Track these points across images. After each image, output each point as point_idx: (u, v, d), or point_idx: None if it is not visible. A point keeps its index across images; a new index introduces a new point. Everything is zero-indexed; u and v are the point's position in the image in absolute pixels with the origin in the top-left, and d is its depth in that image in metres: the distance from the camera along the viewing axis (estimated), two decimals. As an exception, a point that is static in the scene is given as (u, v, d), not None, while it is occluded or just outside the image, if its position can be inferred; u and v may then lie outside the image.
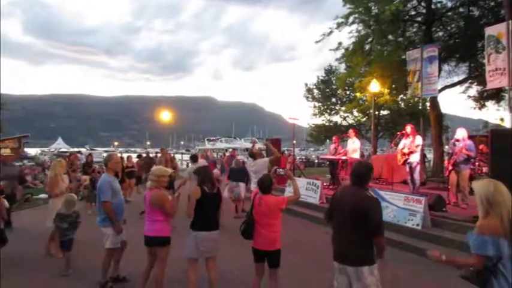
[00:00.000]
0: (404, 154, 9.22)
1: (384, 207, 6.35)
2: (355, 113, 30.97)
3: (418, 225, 7.27)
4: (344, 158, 11.53)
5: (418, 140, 9.13)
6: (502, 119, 22.32)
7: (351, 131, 11.92)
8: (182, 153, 49.75)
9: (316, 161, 39.56)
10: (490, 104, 18.95)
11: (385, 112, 30.47)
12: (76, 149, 59.05)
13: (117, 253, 5.14)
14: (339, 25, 16.77)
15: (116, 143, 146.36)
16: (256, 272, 4.30)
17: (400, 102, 26.61)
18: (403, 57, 14.40)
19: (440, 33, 17.91)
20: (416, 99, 21.66)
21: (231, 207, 9.90)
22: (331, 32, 17.38)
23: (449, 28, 17.82)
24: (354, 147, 11.45)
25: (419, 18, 17.51)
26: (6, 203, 6.54)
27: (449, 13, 17.23)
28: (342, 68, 25.53)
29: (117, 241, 4.99)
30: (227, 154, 26.73)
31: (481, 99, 18.78)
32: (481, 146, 11.12)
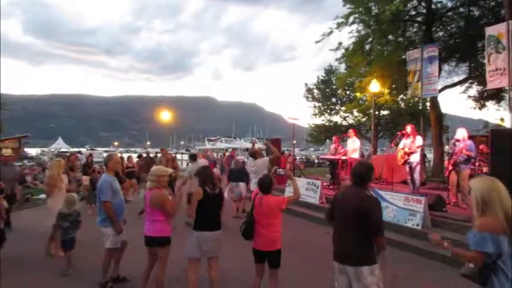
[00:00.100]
0: (404, 154, 9.21)
1: (384, 207, 6.35)
2: (355, 113, 30.98)
3: (418, 225, 7.27)
4: (344, 158, 11.53)
5: (419, 140, 9.12)
6: (502, 119, 22.32)
7: (350, 131, 11.92)
8: (182, 153, 49.73)
9: (316, 161, 39.54)
10: (490, 104, 18.96)
11: (385, 112, 30.47)
12: (76, 149, 59.08)
13: (117, 253, 5.14)
14: (339, 25, 16.76)
15: (116, 143, 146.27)
16: (256, 272, 4.30)
17: (400, 102, 26.62)
18: (403, 57, 14.41)
19: (441, 33, 17.91)
20: (416, 99, 21.67)
21: (231, 208, 9.90)
22: (331, 32, 17.38)
23: (449, 28, 17.82)
24: (353, 147, 11.45)
25: (419, 18, 17.51)
26: (5, 203, 6.53)
27: (450, 13, 17.22)
28: (342, 68, 25.55)
29: (117, 241, 4.99)
30: (227, 154, 26.73)
31: (481, 99, 18.78)
32: (481, 146, 11.12)
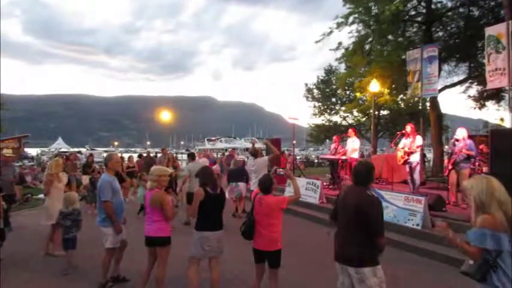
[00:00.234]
0: (404, 153, 9.21)
1: (384, 207, 6.34)
2: (355, 113, 31.00)
3: (418, 225, 7.27)
4: (344, 158, 11.53)
5: (419, 140, 9.12)
6: (502, 119, 22.36)
7: (350, 131, 11.90)
8: (182, 153, 49.74)
9: (316, 160, 39.55)
10: (490, 104, 18.98)
11: (385, 112, 30.49)
12: (76, 149, 59.05)
13: (117, 253, 5.14)
14: (338, 25, 16.79)
15: (115, 143, 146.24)
16: (256, 272, 4.29)
17: (400, 102, 26.61)
18: (403, 57, 14.40)
19: (440, 33, 17.93)
20: (416, 99, 21.65)
21: (231, 208, 9.91)
22: (331, 32, 17.40)
23: (449, 28, 17.83)
24: (353, 147, 11.44)
25: (419, 18, 17.52)
26: (3, 204, 6.52)
27: (449, 13, 17.24)
28: (342, 68, 25.55)
29: (116, 241, 4.99)
30: (226, 154, 26.72)
31: (481, 99, 18.80)
32: (481, 146, 11.12)
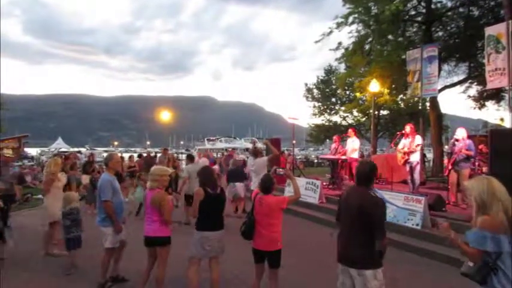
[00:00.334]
0: (404, 154, 9.23)
1: (383, 207, 6.34)
2: (355, 113, 31.01)
3: (417, 225, 7.27)
4: (343, 157, 11.53)
5: (418, 139, 9.14)
6: (501, 119, 22.36)
7: (350, 131, 11.91)
8: (181, 153, 49.76)
9: (315, 160, 39.57)
10: (490, 104, 19.00)
11: (385, 112, 30.50)
12: (76, 149, 59.10)
13: (116, 253, 5.14)
14: (338, 25, 16.79)
15: (115, 143, 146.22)
16: (256, 272, 4.29)
17: (400, 102, 26.61)
18: (403, 57, 14.42)
19: (440, 33, 17.93)
20: (416, 99, 21.65)
21: (231, 208, 9.91)
22: (331, 32, 17.40)
23: (449, 28, 17.84)
24: (353, 147, 11.45)
25: (419, 18, 17.53)
26: (1, 203, 6.52)
27: (449, 13, 17.25)
28: (342, 68, 25.56)
29: (116, 240, 4.99)
30: (225, 154, 26.72)
31: (481, 99, 18.81)
32: (480, 146, 11.13)
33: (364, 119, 31.42)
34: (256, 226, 4.15)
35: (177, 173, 12.21)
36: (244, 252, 4.80)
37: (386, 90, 18.46)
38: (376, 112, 26.66)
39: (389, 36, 16.61)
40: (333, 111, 34.67)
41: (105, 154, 20.16)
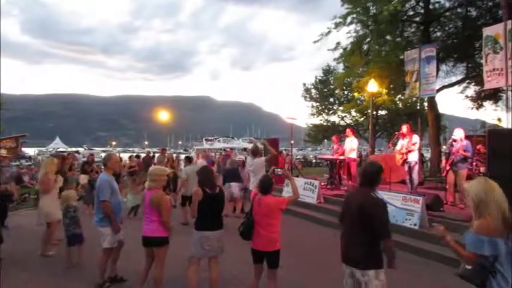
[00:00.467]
0: (402, 154, 9.26)
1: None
2: (353, 113, 31.06)
3: (415, 225, 7.28)
4: (342, 157, 11.55)
5: (415, 138, 9.22)
6: (499, 119, 22.41)
7: (348, 131, 11.92)
8: (180, 153, 49.68)
9: (314, 160, 39.61)
10: (488, 104, 19.05)
11: (383, 112, 30.56)
12: (74, 149, 58.97)
13: (114, 253, 5.13)
14: (337, 25, 16.79)
15: (113, 143, 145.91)
16: (255, 272, 4.30)
17: (398, 102, 26.68)
18: (401, 57, 14.45)
19: (438, 34, 17.96)
20: (414, 99, 21.71)
21: (229, 208, 9.91)
22: (329, 32, 17.40)
23: (447, 28, 17.87)
24: (351, 147, 11.47)
25: (417, 19, 17.55)
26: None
27: (447, 13, 17.28)
28: (340, 68, 25.64)
29: (114, 240, 4.99)
30: (223, 154, 26.70)
31: (479, 99, 18.85)
32: (478, 146, 11.16)
33: (362, 119, 31.49)
34: (255, 226, 4.15)
35: (175, 173, 12.21)
36: (243, 252, 4.81)
37: (384, 90, 18.50)
38: (374, 112, 26.72)
39: (388, 37, 16.64)
40: (331, 111, 34.74)
41: (103, 154, 20.10)
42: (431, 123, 16.99)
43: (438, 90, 15.71)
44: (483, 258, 2.50)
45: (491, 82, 9.97)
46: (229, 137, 53.85)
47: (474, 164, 9.07)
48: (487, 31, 10.02)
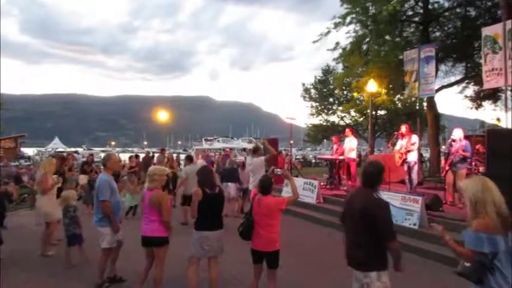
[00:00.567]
0: (401, 154, 9.27)
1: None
2: (353, 113, 31.07)
3: (415, 224, 7.29)
4: (341, 157, 11.55)
5: (414, 138, 9.24)
6: (498, 119, 22.44)
7: (347, 131, 11.93)
8: (179, 153, 49.69)
9: (313, 160, 39.61)
10: (487, 104, 19.05)
11: (382, 112, 30.57)
12: (73, 149, 58.92)
13: (113, 253, 5.13)
14: (336, 25, 16.81)
15: (113, 143, 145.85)
16: (254, 272, 4.30)
17: (397, 102, 26.70)
18: (401, 57, 14.44)
19: (438, 34, 17.98)
20: (413, 99, 21.73)
21: (229, 208, 9.91)
22: (328, 32, 17.41)
23: (446, 28, 17.89)
24: (350, 146, 11.47)
25: (416, 19, 17.56)
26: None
27: (446, 13, 17.29)
28: (340, 68, 25.64)
29: (113, 240, 4.99)
30: (222, 154, 26.71)
31: (478, 99, 18.85)
32: (477, 146, 11.17)
33: (361, 119, 31.50)
34: (254, 227, 4.15)
35: (175, 173, 12.22)
36: (242, 252, 4.81)
37: (383, 90, 18.52)
38: (374, 112, 26.73)
39: (387, 37, 16.64)
40: (331, 111, 34.73)
41: (102, 154, 20.07)
42: (430, 123, 17.00)
43: (437, 90, 15.73)
44: (482, 256, 2.51)
45: (490, 82, 9.97)
46: (229, 137, 53.88)
47: (473, 164, 9.08)
48: (486, 31, 10.02)
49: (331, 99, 34.77)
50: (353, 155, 11.54)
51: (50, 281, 5.37)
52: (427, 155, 22.24)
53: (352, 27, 17.41)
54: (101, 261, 5.01)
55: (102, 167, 5.97)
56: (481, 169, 9.21)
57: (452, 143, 8.43)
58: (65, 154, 15.88)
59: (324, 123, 35.10)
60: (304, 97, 35.98)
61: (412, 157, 9.20)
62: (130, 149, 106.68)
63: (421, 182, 11.50)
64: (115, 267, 5.22)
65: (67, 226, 5.92)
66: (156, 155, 15.85)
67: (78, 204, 6.94)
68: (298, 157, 42.24)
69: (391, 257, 3.11)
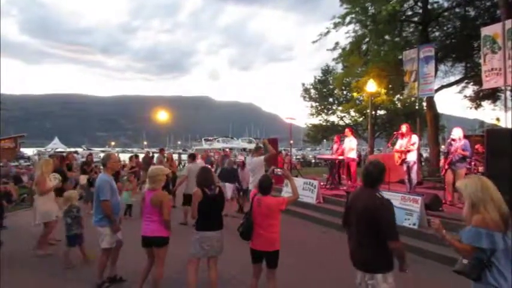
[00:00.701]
0: (401, 153, 9.28)
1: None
2: (352, 113, 31.08)
3: (414, 224, 7.30)
4: (341, 157, 11.55)
5: (414, 138, 9.24)
6: (497, 119, 22.49)
7: (347, 131, 11.93)
8: (179, 154, 49.67)
9: (313, 160, 39.62)
10: (486, 104, 19.07)
11: (381, 112, 30.59)
12: (72, 149, 58.81)
13: (112, 253, 5.13)
14: (336, 25, 16.83)
15: (112, 143, 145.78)
16: (254, 272, 4.30)
17: (396, 102, 26.71)
18: (400, 57, 14.46)
19: (437, 33, 18.00)
20: (412, 99, 21.74)
21: (228, 208, 9.92)
22: (328, 32, 17.44)
23: (445, 28, 17.91)
24: (350, 146, 11.47)
25: (415, 18, 17.58)
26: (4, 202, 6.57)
27: (446, 13, 17.32)
28: (339, 68, 25.65)
29: (113, 241, 4.99)
30: (221, 154, 26.70)
31: (477, 99, 18.87)
32: (477, 146, 11.18)
33: (361, 119, 31.50)
34: (254, 227, 4.15)
35: (174, 172, 12.23)
36: (242, 252, 4.81)
37: (383, 90, 18.55)
38: (373, 112, 26.75)
39: (386, 37, 16.67)
40: (330, 111, 34.72)
41: (102, 154, 20.09)
42: (429, 123, 17.01)
43: (437, 90, 15.75)
44: (480, 252, 2.52)
45: (490, 82, 9.99)
46: (229, 137, 53.88)
47: (473, 163, 9.09)
48: (486, 31, 10.03)
49: (330, 99, 34.77)
50: (353, 154, 11.54)
51: (49, 281, 5.37)
52: (426, 154, 22.25)
53: (351, 27, 17.47)
54: (100, 261, 5.01)
55: (101, 167, 5.96)
56: (481, 169, 9.22)
57: (452, 142, 8.44)
58: (64, 154, 15.83)
59: (324, 123, 35.10)
60: (304, 97, 35.99)
61: (411, 157, 9.20)
62: (130, 149, 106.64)
63: (420, 182, 11.50)
64: (115, 267, 5.23)
65: (69, 226, 5.89)
66: (156, 155, 15.87)
67: (79, 203, 6.93)
68: (298, 157, 42.24)
69: (395, 257, 3.10)
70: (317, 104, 35.11)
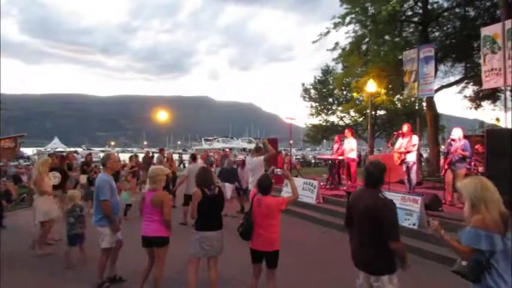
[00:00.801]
0: (401, 153, 9.27)
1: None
2: (352, 113, 31.09)
3: (414, 224, 7.30)
4: (341, 158, 11.55)
5: (415, 139, 9.21)
6: (497, 119, 22.51)
7: (347, 131, 11.92)
8: (179, 154, 49.63)
9: (313, 161, 39.62)
10: (486, 104, 19.08)
11: (381, 112, 30.59)
12: (72, 149, 58.79)
13: (112, 253, 5.14)
14: (335, 25, 16.83)
15: (112, 143, 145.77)
16: (254, 272, 4.30)
17: (396, 102, 26.72)
18: (400, 57, 14.47)
19: (437, 34, 18.00)
20: (412, 99, 21.75)
21: (228, 208, 9.93)
22: (328, 32, 17.44)
23: (445, 28, 17.91)
24: (350, 147, 11.46)
25: (415, 19, 17.58)
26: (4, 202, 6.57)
27: (446, 13, 17.32)
28: (339, 68, 25.65)
29: (113, 240, 4.99)
30: (221, 154, 26.69)
31: (477, 99, 18.87)
32: (476, 146, 11.18)
33: (361, 119, 31.52)
34: (254, 227, 4.15)
35: (174, 172, 12.23)
36: (242, 252, 4.81)
37: (383, 91, 18.56)
38: (373, 112, 26.76)
39: (386, 37, 16.67)
40: (330, 112, 34.75)
41: (101, 154, 20.03)
42: (429, 123, 17.01)
43: (437, 90, 15.75)
44: (479, 253, 2.51)
45: (490, 82, 9.99)
46: (228, 137, 53.91)
47: (472, 163, 9.08)
48: (485, 31, 10.04)
49: (330, 100, 34.79)
50: (353, 155, 11.53)
51: (49, 281, 5.37)
52: (425, 155, 22.26)
53: (351, 27, 17.47)
54: (100, 261, 5.01)
55: (101, 167, 5.96)
56: (480, 169, 9.21)
57: (452, 142, 8.43)
58: (64, 154, 15.81)
59: (324, 124, 35.11)
60: (304, 97, 36.02)
61: (411, 157, 9.20)
62: (129, 149, 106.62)
63: (420, 182, 11.50)
64: (115, 267, 5.23)
65: (71, 226, 5.86)
66: (156, 155, 15.86)
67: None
68: (298, 157, 42.24)
69: (396, 257, 3.10)
70: (317, 104, 35.13)
